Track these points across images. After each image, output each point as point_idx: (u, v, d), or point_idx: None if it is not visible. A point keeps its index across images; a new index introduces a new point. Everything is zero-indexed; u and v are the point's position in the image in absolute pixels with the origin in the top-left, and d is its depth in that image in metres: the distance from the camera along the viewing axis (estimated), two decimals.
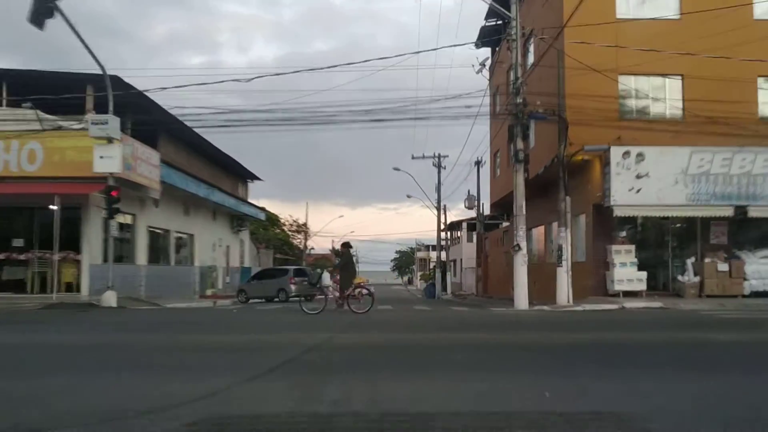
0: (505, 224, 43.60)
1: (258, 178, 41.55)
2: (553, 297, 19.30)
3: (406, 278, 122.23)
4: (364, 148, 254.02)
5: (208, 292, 29.69)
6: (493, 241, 38.16)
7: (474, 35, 32.57)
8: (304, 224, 64.67)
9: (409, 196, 48.75)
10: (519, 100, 17.38)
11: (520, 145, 17.27)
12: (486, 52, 31.79)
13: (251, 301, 27.12)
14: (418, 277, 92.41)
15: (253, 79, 17.54)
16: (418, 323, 12.41)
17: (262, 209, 41.47)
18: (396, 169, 40.97)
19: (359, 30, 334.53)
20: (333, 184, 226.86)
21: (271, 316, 14.89)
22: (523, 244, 16.99)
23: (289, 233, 65.81)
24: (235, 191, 37.63)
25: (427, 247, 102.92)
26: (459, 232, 59.50)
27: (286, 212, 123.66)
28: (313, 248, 71.27)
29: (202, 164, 32.19)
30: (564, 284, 17.02)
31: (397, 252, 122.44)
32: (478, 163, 39.68)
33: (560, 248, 17.30)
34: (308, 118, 18.31)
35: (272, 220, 63.24)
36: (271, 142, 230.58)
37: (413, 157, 41.63)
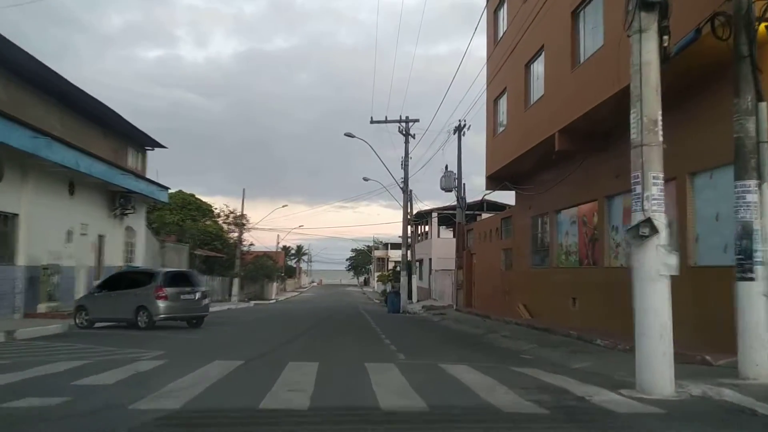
0: (486, 215, 33.51)
1: (160, 145, 30.20)
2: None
3: (362, 279, 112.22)
4: (324, 145, 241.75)
5: (42, 307, 18.47)
6: (481, 235, 27.78)
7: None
8: (242, 215, 53.07)
9: (366, 179, 38.30)
10: None
11: None
12: None
13: (97, 325, 16.09)
14: (375, 278, 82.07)
15: None
16: None
17: (166, 188, 29.99)
18: (349, 135, 30.21)
19: (320, 27, 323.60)
20: (291, 183, 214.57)
21: None
22: (662, 221, 6.53)
23: (224, 225, 54.20)
24: (121, 160, 26.31)
25: (386, 245, 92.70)
26: (427, 227, 49.08)
27: (248, 211, 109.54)
28: (252, 244, 59.71)
29: (60, 114, 21.25)
30: (761, 322, 6.67)
31: (353, 250, 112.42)
32: (459, 129, 29.38)
33: (744, 231, 6.94)
34: None
35: (203, 210, 52.01)
36: (228, 138, 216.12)
37: (372, 121, 31.09)
